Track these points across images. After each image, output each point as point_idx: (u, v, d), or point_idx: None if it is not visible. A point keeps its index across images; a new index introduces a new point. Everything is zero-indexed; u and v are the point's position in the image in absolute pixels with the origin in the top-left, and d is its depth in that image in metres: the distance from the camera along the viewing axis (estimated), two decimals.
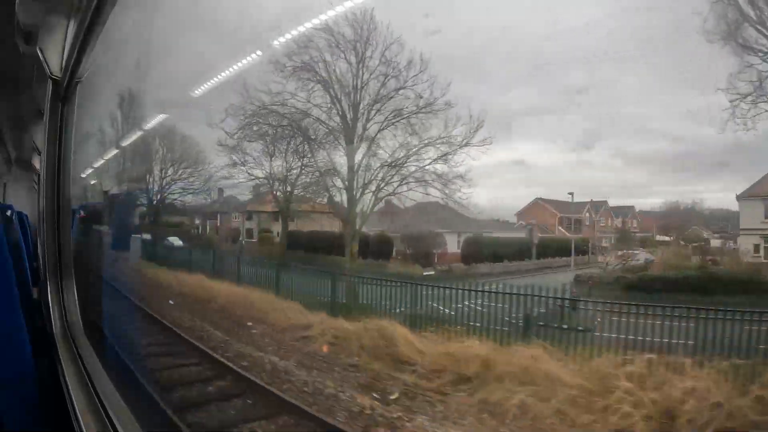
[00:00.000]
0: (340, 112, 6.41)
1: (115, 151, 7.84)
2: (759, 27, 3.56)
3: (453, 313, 4.74)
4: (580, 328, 3.87)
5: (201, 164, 9.32)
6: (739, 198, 4.23)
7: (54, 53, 3.56)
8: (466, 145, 5.40)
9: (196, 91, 6.27)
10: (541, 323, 4.12)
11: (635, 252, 4.84)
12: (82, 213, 6.65)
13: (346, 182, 6.26)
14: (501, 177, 7.33)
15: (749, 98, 3.60)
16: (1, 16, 3.25)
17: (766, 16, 3.62)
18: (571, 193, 7.35)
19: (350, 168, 6.24)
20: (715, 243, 4.38)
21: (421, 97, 5.74)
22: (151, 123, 7.09)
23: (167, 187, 9.94)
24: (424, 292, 5.09)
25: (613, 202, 8.28)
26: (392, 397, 3.93)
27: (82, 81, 3.55)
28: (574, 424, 3.23)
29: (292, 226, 8.25)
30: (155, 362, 5.11)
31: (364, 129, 6.11)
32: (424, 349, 4.24)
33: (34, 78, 4.36)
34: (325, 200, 7.35)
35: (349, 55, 6.52)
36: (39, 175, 6.05)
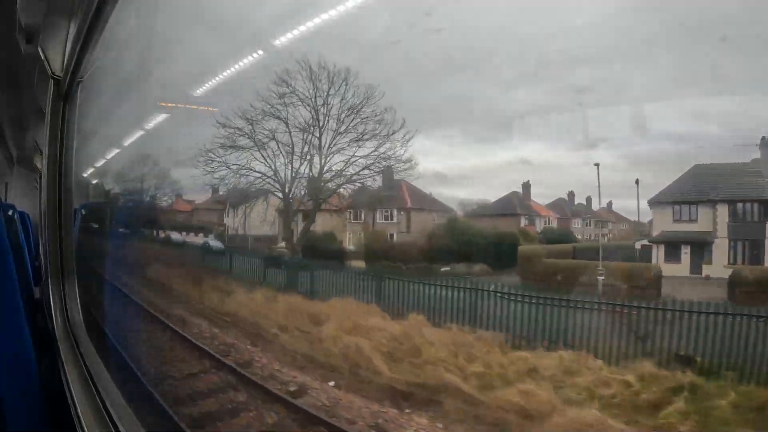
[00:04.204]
0: None
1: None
2: None
3: None
4: None
5: None
6: None
7: (55, 53, 3.56)
8: None
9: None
10: None
11: None
12: (82, 211, 6.64)
13: None
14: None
15: None
16: (2, 15, 3.25)
17: None
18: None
19: None
20: None
21: None
22: (152, 121, 7.09)
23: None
24: None
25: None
26: None
27: (84, 80, 3.54)
28: None
29: None
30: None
31: None
32: None
33: (36, 77, 4.36)
34: None
35: None
36: (41, 174, 6.05)
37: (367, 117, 8.25)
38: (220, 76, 6.05)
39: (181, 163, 10.92)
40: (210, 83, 6.28)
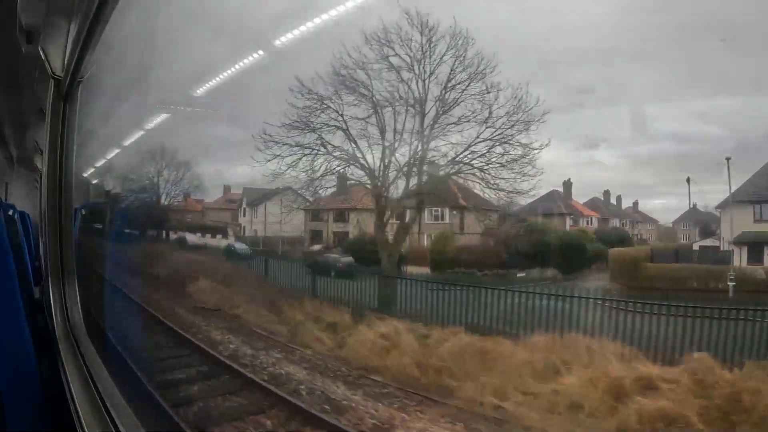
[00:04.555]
0: None
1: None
2: None
3: None
4: None
5: None
6: None
7: (56, 53, 3.56)
8: None
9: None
10: None
11: None
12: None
13: None
14: None
15: None
16: (3, 15, 3.25)
17: None
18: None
19: None
20: None
21: None
22: (153, 121, 7.09)
23: None
24: None
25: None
26: None
27: (84, 80, 3.55)
28: None
29: None
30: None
31: None
32: None
33: (36, 77, 4.37)
34: None
35: None
36: (41, 174, 6.05)
37: (479, 94, 6.63)
38: (222, 75, 6.05)
39: (192, 161, 10.70)
40: (211, 82, 6.29)
